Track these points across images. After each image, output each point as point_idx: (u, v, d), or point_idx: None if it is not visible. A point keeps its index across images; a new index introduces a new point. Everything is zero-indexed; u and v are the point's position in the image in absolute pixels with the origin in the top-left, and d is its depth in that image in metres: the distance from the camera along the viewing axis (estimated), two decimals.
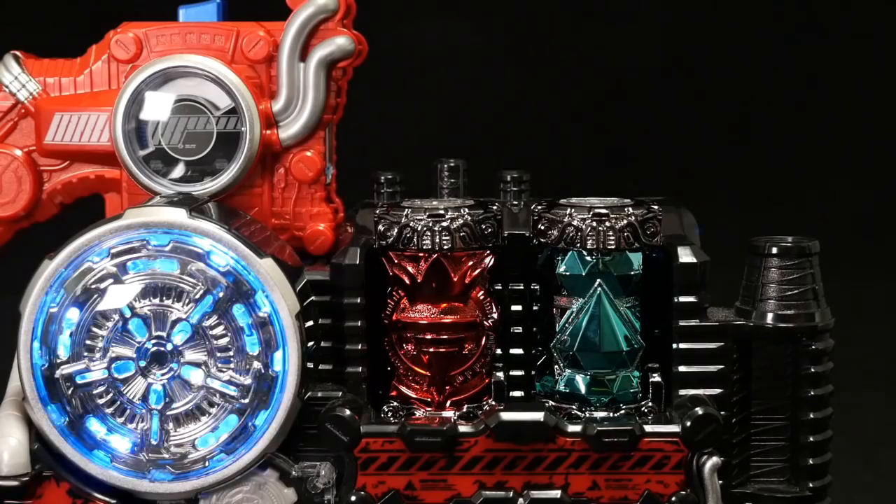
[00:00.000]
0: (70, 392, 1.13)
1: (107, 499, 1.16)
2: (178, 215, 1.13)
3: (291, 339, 1.13)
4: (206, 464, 1.14)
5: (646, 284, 1.20)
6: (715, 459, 1.14)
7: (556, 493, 1.15)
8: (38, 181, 1.25)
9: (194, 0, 1.25)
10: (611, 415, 1.18)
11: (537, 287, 1.23)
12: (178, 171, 1.21)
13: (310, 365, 1.15)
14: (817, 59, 2.48)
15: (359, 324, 1.18)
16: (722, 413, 1.16)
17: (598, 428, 1.14)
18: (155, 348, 1.13)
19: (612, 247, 1.16)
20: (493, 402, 1.19)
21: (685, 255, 1.17)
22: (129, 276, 1.13)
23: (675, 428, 1.14)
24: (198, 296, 1.12)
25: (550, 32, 2.49)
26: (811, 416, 1.19)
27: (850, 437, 1.48)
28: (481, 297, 1.20)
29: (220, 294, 1.12)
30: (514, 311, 1.24)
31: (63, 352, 1.13)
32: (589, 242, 1.16)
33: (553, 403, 1.19)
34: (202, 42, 1.23)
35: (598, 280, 1.18)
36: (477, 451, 1.15)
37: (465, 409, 1.19)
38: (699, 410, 1.14)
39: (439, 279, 1.17)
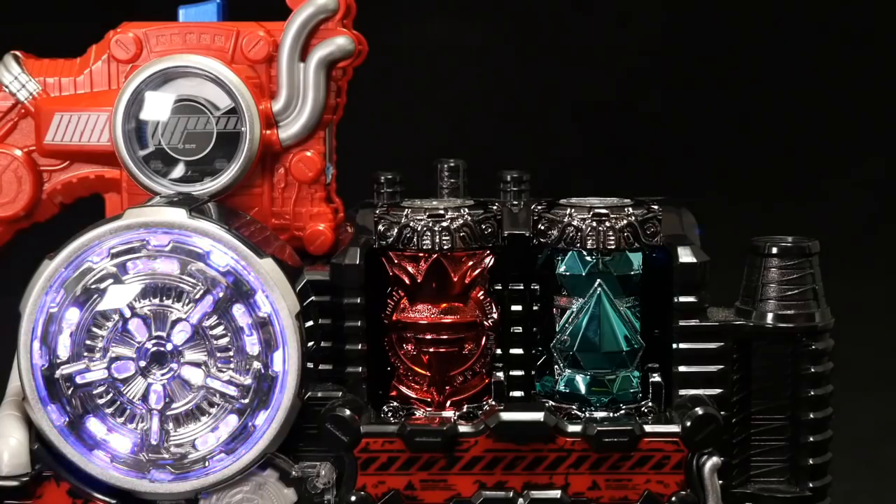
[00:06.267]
0: (70, 392, 1.13)
1: (107, 499, 1.16)
2: (178, 215, 1.13)
3: (291, 339, 1.13)
4: (206, 464, 1.14)
5: (646, 284, 1.20)
6: (715, 459, 1.14)
7: (556, 493, 1.15)
8: (38, 181, 1.25)
9: (194, 0, 1.25)
10: (611, 415, 1.18)
11: (537, 287, 1.23)
12: (178, 171, 1.21)
13: (310, 365, 1.15)
14: (817, 59, 2.48)
15: (359, 324, 1.18)
16: (722, 413, 1.16)
17: (598, 428, 1.14)
18: (155, 348, 1.13)
19: (612, 247, 1.16)
20: (493, 402, 1.19)
21: (685, 255, 1.17)
22: (129, 276, 1.12)
23: (675, 428, 1.14)
24: (198, 296, 1.12)
25: (551, 32, 2.49)
26: (811, 416, 1.19)
27: (850, 437, 1.48)
28: (481, 297, 1.20)
29: (220, 294, 1.12)
30: (514, 311, 1.23)
31: (63, 352, 1.13)
32: (589, 242, 1.16)
33: (553, 403, 1.19)
34: (202, 42, 1.23)
35: (598, 280, 1.18)
36: (477, 451, 1.14)
37: (465, 409, 1.19)
38: (699, 410, 1.14)
39: (439, 279, 1.17)
